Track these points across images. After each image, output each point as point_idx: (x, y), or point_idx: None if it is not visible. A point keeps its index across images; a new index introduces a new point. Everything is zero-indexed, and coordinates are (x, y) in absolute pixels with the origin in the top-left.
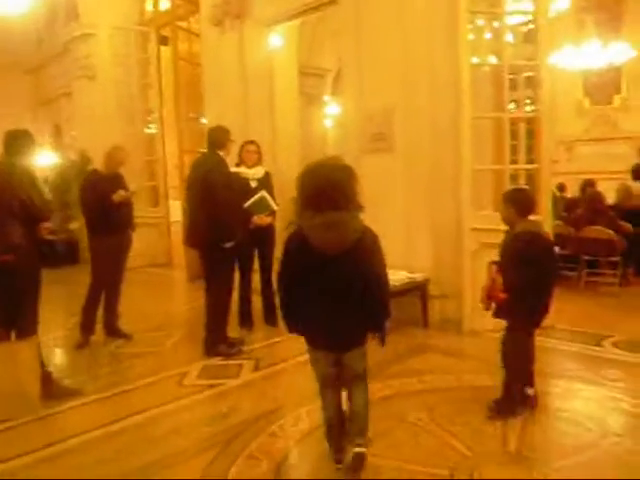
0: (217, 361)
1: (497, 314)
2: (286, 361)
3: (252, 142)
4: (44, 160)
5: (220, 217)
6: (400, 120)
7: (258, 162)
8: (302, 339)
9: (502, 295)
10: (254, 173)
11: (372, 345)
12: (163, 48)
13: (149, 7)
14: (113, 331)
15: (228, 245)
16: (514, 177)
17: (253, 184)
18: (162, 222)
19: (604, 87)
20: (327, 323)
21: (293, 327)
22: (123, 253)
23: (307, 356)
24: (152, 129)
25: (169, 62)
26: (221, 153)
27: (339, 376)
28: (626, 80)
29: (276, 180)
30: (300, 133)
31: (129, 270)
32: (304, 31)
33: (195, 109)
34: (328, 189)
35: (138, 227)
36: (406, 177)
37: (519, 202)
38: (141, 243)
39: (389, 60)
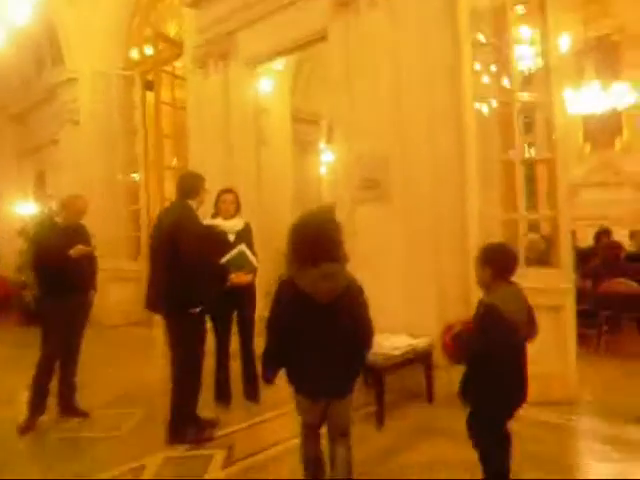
0: (183, 451)
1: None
2: (267, 450)
3: (229, 191)
4: (25, 210)
5: (187, 277)
6: (396, 166)
7: (236, 213)
8: (286, 419)
9: (448, 341)
10: (233, 225)
11: (369, 429)
12: (148, 93)
13: (134, 52)
14: (68, 408)
15: (195, 310)
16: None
17: (231, 237)
18: (141, 276)
19: (605, 130)
20: (319, 369)
21: (273, 375)
22: (81, 318)
23: (295, 441)
24: (136, 176)
25: (153, 107)
26: (192, 203)
27: (321, 425)
28: (627, 122)
29: (265, 230)
30: (292, 181)
31: (103, 329)
32: (298, 77)
33: (181, 156)
34: (323, 242)
35: (115, 282)
36: (406, 227)
37: (497, 262)
38: (117, 299)
39: (382, 100)
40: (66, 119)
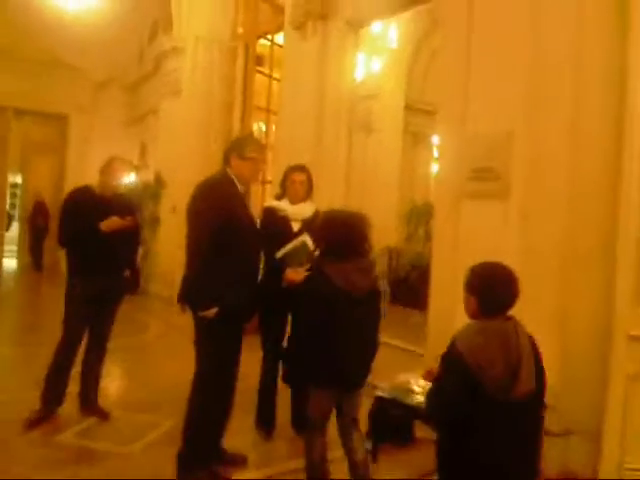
0: None
1: None
2: None
3: (301, 169)
4: (128, 181)
5: (193, 267)
6: (520, 153)
7: (306, 196)
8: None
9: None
10: (300, 211)
11: None
12: (249, 64)
13: (239, 22)
14: (88, 405)
15: (205, 313)
16: None
17: (295, 226)
18: None
19: None
20: (349, 360)
21: (298, 374)
22: (111, 303)
23: None
24: None
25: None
26: (230, 172)
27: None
28: None
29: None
30: (398, 176)
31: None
32: (416, 61)
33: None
34: (355, 237)
35: None
36: (523, 237)
37: (484, 292)
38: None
39: (509, 67)
40: (168, 90)
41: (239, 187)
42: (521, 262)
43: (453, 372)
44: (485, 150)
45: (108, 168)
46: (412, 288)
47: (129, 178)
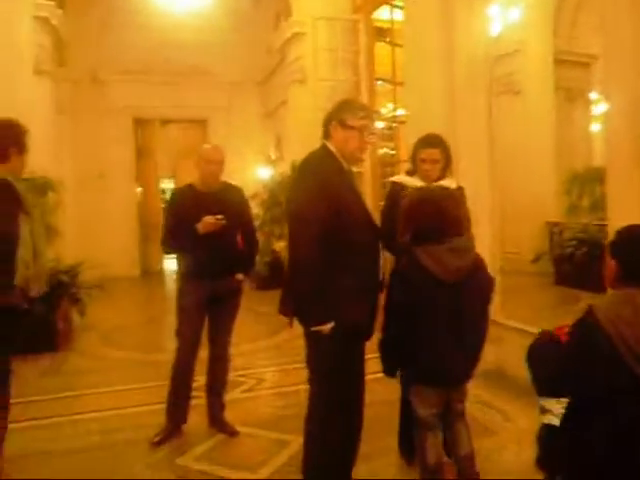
0: None
1: None
2: None
3: (431, 143)
4: (264, 175)
5: (295, 277)
6: None
7: (442, 175)
8: None
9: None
10: None
11: None
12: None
13: None
14: (214, 421)
15: (318, 328)
16: None
17: None
18: None
19: None
20: (451, 353)
21: (395, 366)
22: (222, 311)
23: None
24: None
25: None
26: (331, 146)
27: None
28: None
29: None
30: (554, 139)
31: None
32: (563, 7)
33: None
34: (445, 216)
35: None
36: None
37: (629, 254)
38: None
39: None
40: (293, 79)
41: (344, 164)
42: None
43: (586, 344)
44: None
45: (199, 160)
46: (579, 266)
47: (267, 173)
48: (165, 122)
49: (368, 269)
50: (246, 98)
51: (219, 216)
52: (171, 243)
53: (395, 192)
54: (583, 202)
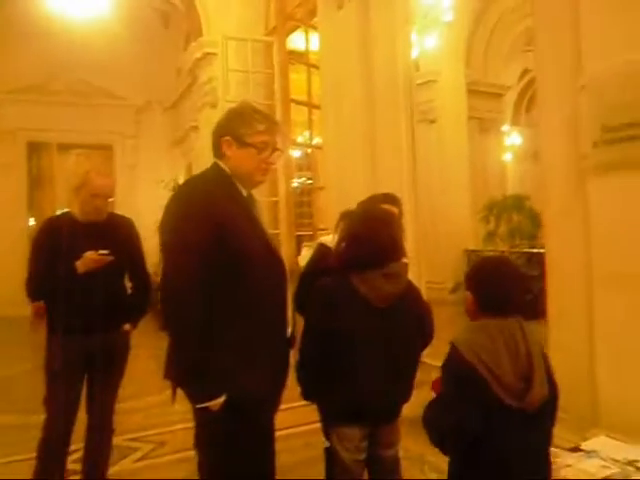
0: None
1: None
2: None
3: (390, 199)
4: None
5: (171, 334)
6: None
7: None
8: None
9: None
10: None
11: None
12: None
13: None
14: None
15: (205, 405)
16: None
17: None
18: None
19: None
20: (373, 384)
21: (313, 392)
22: (101, 371)
23: None
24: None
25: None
26: (223, 166)
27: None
28: None
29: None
30: (468, 169)
31: None
32: (475, 37)
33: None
34: (386, 240)
35: None
36: None
37: (482, 286)
38: None
39: None
40: (205, 102)
41: (242, 190)
42: None
43: (458, 380)
44: (622, 93)
45: (83, 182)
46: None
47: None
48: (64, 147)
49: (270, 320)
50: (154, 123)
51: (103, 251)
52: (40, 287)
53: (322, 255)
54: (500, 229)
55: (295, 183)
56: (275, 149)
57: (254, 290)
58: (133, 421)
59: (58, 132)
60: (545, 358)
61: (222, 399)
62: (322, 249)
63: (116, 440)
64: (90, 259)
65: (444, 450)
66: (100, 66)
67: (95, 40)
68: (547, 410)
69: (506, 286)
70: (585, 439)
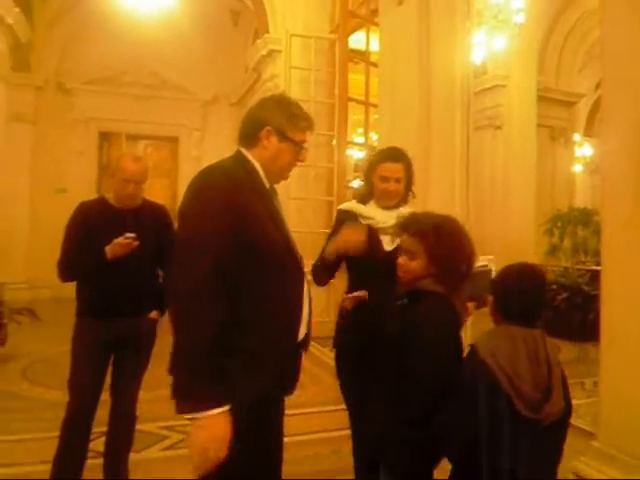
0: None
1: None
2: None
3: (395, 157)
4: None
5: (185, 323)
6: None
7: (405, 200)
8: None
9: None
10: (387, 219)
11: None
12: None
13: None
14: None
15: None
16: None
17: (387, 243)
18: None
19: None
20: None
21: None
22: (126, 357)
23: None
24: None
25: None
26: (249, 155)
27: None
28: None
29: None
30: (535, 179)
31: None
32: (548, 47)
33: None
34: None
35: None
36: None
37: (506, 292)
38: None
39: None
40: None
41: (266, 183)
42: None
43: (473, 382)
44: None
45: (116, 172)
46: (559, 313)
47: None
48: (133, 138)
49: (285, 320)
50: (220, 118)
51: (130, 234)
52: (70, 269)
53: (341, 222)
54: (564, 243)
55: (354, 184)
56: (306, 148)
57: (272, 288)
58: (167, 409)
59: (127, 123)
60: (563, 374)
61: (225, 409)
62: (341, 216)
63: (147, 426)
64: (117, 244)
65: (450, 452)
66: (170, 61)
67: (166, 36)
68: (560, 426)
69: (530, 295)
70: None
